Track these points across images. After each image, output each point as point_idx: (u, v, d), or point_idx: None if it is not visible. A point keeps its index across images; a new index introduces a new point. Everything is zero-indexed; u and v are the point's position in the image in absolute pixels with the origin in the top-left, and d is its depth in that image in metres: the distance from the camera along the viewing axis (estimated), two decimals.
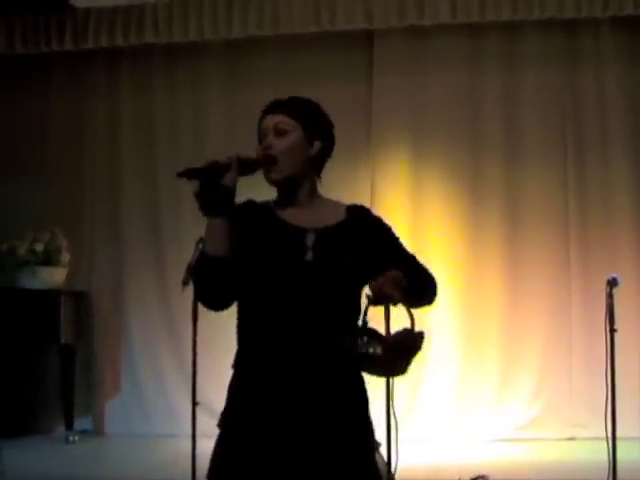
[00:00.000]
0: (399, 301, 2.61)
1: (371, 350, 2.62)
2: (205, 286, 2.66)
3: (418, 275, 2.77)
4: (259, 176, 2.73)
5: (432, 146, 7.77)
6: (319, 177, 2.83)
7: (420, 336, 2.66)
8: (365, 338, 2.64)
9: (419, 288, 2.75)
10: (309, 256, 2.68)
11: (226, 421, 2.70)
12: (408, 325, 2.66)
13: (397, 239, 2.87)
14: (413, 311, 2.69)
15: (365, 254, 2.73)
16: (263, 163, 2.71)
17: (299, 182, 2.77)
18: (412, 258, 2.82)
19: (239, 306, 2.73)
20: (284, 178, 2.73)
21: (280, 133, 2.74)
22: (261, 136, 2.78)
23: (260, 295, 2.66)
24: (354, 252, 2.72)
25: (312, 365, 2.63)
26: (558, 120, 7.67)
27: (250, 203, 2.78)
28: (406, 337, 2.65)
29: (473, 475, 5.51)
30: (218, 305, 2.69)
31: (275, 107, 2.79)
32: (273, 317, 2.65)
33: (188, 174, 2.58)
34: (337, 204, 2.84)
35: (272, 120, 2.76)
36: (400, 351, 2.64)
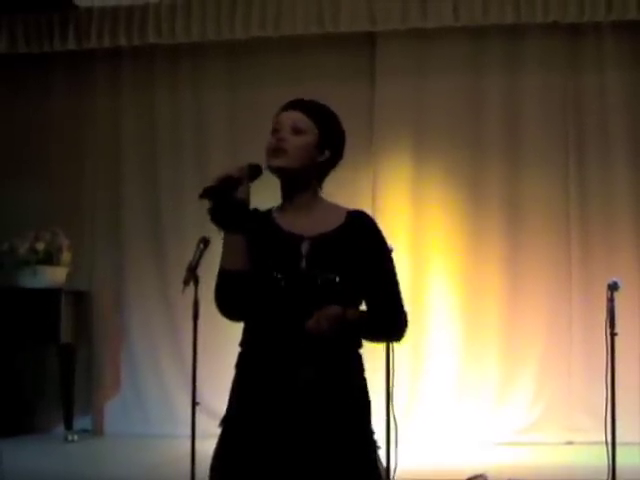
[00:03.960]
0: (334, 337, 2.59)
1: None
2: (227, 301, 2.68)
3: (381, 311, 2.72)
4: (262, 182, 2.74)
5: (434, 148, 7.76)
6: (320, 186, 2.81)
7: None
8: None
9: (375, 325, 2.72)
10: (303, 264, 2.68)
11: (228, 421, 2.70)
12: None
13: (385, 262, 2.78)
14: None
15: (356, 263, 2.70)
16: (272, 153, 2.70)
17: (300, 183, 2.76)
18: (388, 289, 2.75)
19: None
20: (287, 168, 2.71)
21: (297, 131, 2.73)
22: (272, 128, 2.76)
23: (260, 300, 2.66)
24: (346, 261, 2.69)
25: (312, 368, 2.63)
26: (560, 124, 7.67)
27: (256, 212, 2.77)
28: None
29: (472, 475, 5.52)
30: (240, 317, 2.71)
31: (296, 105, 2.79)
32: (272, 322, 2.65)
33: (207, 194, 2.60)
34: (338, 208, 2.81)
35: (291, 116, 2.75)
36: None
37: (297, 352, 2.63)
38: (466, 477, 5.49)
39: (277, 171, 2.72)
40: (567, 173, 7.63)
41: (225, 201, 2.60)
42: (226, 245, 2.64)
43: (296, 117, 2.75)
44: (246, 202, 2.63)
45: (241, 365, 2.73)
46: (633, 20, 7.25)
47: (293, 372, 2.63)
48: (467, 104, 7.77)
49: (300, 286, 2.65)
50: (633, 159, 7.53)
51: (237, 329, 2.77)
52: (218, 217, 2.62)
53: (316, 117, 2.78)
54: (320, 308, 2.58)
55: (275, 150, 2.70)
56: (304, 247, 2.69)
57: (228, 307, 2.69)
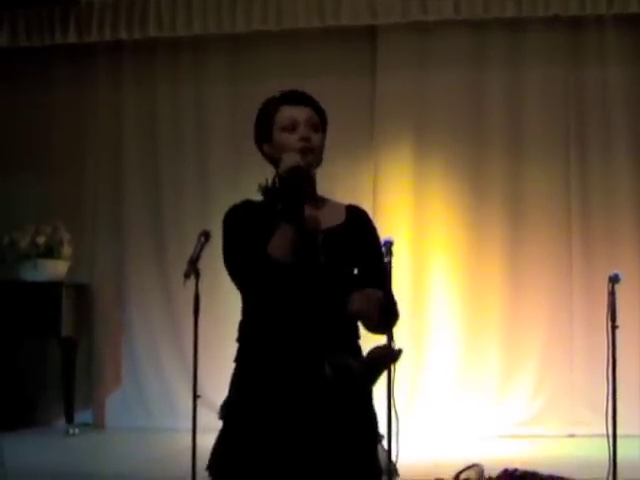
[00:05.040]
0: (375, 321, 2.62)
1: (349, 363, 2.64)
2: (266, 287, 2.62)
3: (386, 302, 2.75)
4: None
5: (435, 142, 7.76)
6: None
7: (398, 353, 2.68)
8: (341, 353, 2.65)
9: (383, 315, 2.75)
10: (322, 257, 2.68)
11: (229, 414, 2.70)
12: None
13: (382, 255, 2.93)
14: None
15: (361, 255, 2.76)
16: (305, 152, 2.69)
17: (313, 179, 2.77)
18: (386, 281, 2.85)
19: (247, 302, 2.72)
20: (313, 166, 2.73)
21: (314, 128, 2.75)
22: (285, 124, 2.74)
23: (276, 294, 2.63)
24: (356, 255, 2.74)
25: (316, 360, 2.63)
26: (561, 117, 7.66)
27: (251, 203, 2.76)
28: (384, 353, 2.68)
29: (466, 465, 5.53)
30: (269, 301, 2.66)
31: (306, 100, 2.79)
32: (287, 315, 2.64)
33: (293, 180, 2.56)
34: (336, 204, 2.84)
35: (304, 112, 2.75)
36: (375, 366, 2.67)
37: (306, 347, 2.62)
38: (461, 468, 5.50)
39: (306, 169, 2.68)
40: (568, 167, 7.63)
41: (298, 191, 2.56)
42: (286, 234, 2.57)
43: (309, 113, 2.76)
44: (307, 195, 2.61)
45: (244, 359, 2.71)
46: (634, 13, 7.25)
47: (299, 366, 2.62)
48: (468, 98, 7.77)
49: (322, 279, 2.66)
50: (634, 153, 7.53)
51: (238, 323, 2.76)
52: (289, 206, 2.56)
53: (321, 115, 2.81)
54: (337, 300, 2.60)
55: (307, 149, 2.70)
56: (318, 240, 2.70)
57: (266, 292, 2.63)
